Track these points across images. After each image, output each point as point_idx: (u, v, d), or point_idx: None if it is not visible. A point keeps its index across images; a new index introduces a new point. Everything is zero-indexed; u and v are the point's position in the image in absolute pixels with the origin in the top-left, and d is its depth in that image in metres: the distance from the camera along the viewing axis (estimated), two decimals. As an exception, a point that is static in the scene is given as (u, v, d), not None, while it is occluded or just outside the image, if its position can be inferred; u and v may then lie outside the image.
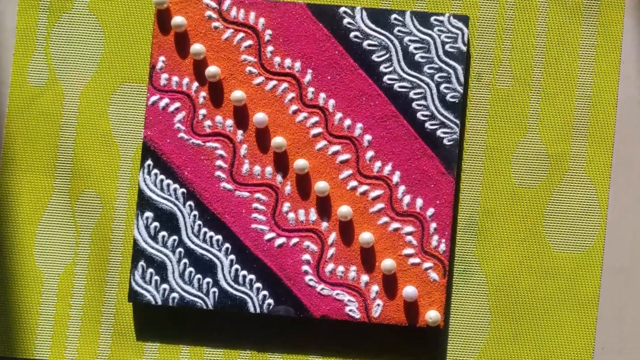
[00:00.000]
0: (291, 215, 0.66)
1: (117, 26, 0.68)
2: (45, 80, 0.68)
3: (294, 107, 0.66)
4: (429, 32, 0.66)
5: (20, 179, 0.68)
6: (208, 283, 0.65)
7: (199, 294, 0.65)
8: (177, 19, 0.66)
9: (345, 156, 0.66)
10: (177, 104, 0.66)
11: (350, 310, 0.65)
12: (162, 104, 0.66)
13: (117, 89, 0.68)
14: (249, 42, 0.66)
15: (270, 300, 0.65)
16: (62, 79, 0.68)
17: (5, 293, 0.67)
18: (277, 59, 0.66)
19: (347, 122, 0.66)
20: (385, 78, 0.66)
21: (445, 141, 0.65)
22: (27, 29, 0.68)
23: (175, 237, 0.65)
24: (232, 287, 0.65)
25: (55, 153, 0.68)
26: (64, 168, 0.68)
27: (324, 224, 0.65)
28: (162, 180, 0.66)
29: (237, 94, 0.65)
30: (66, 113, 0.68)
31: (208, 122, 0.66)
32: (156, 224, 0.65)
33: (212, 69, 0.65)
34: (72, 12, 0.68)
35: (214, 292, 0.65)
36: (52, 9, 0.68)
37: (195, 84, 0.66)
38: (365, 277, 0.65)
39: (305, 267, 0.65)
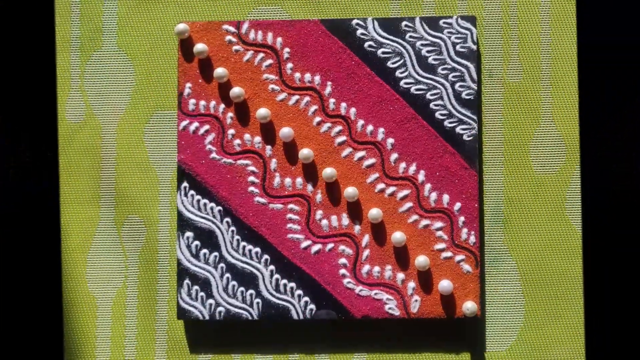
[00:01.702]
0: (324, 222, 0.66)
1: (145, 59, 0.69)
2: (82, 117, 0.69)
3: (317, 119, 0.67)
4: (439, 34, 0.67)
5: (67, 211, 0.69)
6: (251, 295, 0.66)
7: (244, 305, 0.66)
8: (199, 46, 0.67)
9: (370, 161, 0.67)
10: (206, 127, 0.67)
11: (390, 308, 0.65)
12: (192, 127, 0.67)
13: (150, 118, 0.69)
14: (269, 61, 0.67)
15: (312, 306, 0.66)
16: (98, 114, 0.69)
17: (63, 319, 0.68)
18: (298, 75, 0.67)
19: (370, 128, 0.67)
20: (401, 83, 0.67)
21: (465, 137, 0.66)
22: (64, 70, 0.70)
23: (216, 253, 0.66)
24: (274, 296, 0.66)
25: (98, 184, 0.69)
26: (108, 197, 0.69)
27: (357, 228, 0.66)
28: (198, 201, 0.67)
29: (262, 112, 0.67)
30: (105, 145, 0.69)
31: (237, 141, 0.67)
32: (197, 242, 0.66)
33: (236, 90, 0.67)
34: (102, 50, 0.70)
35: (258, 303, 0.66)
36: (83, 49, 0.70)
37: (222, 106, 0.67)
38: (401, 275, 0.66)
39: (342, 271, 0.66)
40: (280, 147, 0.67)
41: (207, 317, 0.66)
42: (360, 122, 0.67)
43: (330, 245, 0.66)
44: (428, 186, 0.66)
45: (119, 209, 0.69)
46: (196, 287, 0.66)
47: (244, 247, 0.67)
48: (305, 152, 0.66)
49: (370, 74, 0.67)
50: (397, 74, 0.67)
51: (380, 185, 0.67)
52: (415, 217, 0.66)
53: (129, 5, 0.70)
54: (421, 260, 0.65)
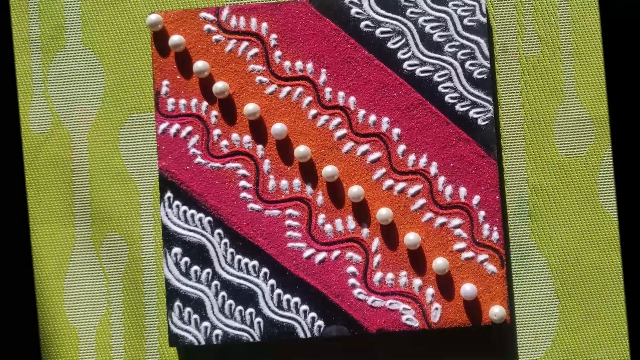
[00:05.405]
0: (328, 227, 0.64)
1: (115, 56, 0.68)
2: (49, 126, 0.68)
3: (313, 112, 0.65)
4: (444, 8, 0.65)
5: (38, 233, 0.67)
6: (251, 314, 0.64)
7: (243, 326, 0.64)
8: (174, 38, 0.66)
9: (375, 155, 0.64)
10: (188, 128, 0.65)
11: (408, 319, 0.63)
12: (172, 130, 0.65)
13: (124, 122, 0.67)
14: (255, 50, 0.66)
15: (320, 322, 0.64)
16: (66, 121, 0.67)
17: (41, 355, 0.66)
18: (287, 63, 0.65)
19: (372, 118, 0.65)
20: (405, 65, 0.65)
21: (480, 121, 0.64)
22: (24, 74, 0.68)
23: (208, 270, 0.64)
24: (277, 314, 0.64)
25: (71, 200, 0.67)
26: (83, 214, 0.67)
27: (365, 231, 0.64)
28: (185, 212, 0.65)
29: (250, 107, 0.65)
30: (76, 156, 0.67)
31: (224, 142, 0.65)
32: (186, 259, 0.64)
33: (219, 85, 0.65)
34: (66, 49, 0.68)
35: (259, 323, 0.64)
36: (45, 49, 0.68)
37: (205, 104, 0.65)
38: (417, 281, 0.64)
39: (351, 280, 0.64)
40: (273, 146, 0.65)
41: (202, 342, 0.64)
42: (361, 112, 0.65)
43: (336, 253, 0.64)
44: (442, 179, 0.64)
45: (96, 226, 0.66)
46: (188, 309, 0.64)
47: (239, 260, 0.64)
48: (301, 150, 0.64)
49: (369, 57, 0.65)
50: (400, 55, 0.65)
51: (388, 182, 0.64)
52: (429, 215, 0.64)
53: (93, -3, 0.68)
54: (439, 263, 0.63)
